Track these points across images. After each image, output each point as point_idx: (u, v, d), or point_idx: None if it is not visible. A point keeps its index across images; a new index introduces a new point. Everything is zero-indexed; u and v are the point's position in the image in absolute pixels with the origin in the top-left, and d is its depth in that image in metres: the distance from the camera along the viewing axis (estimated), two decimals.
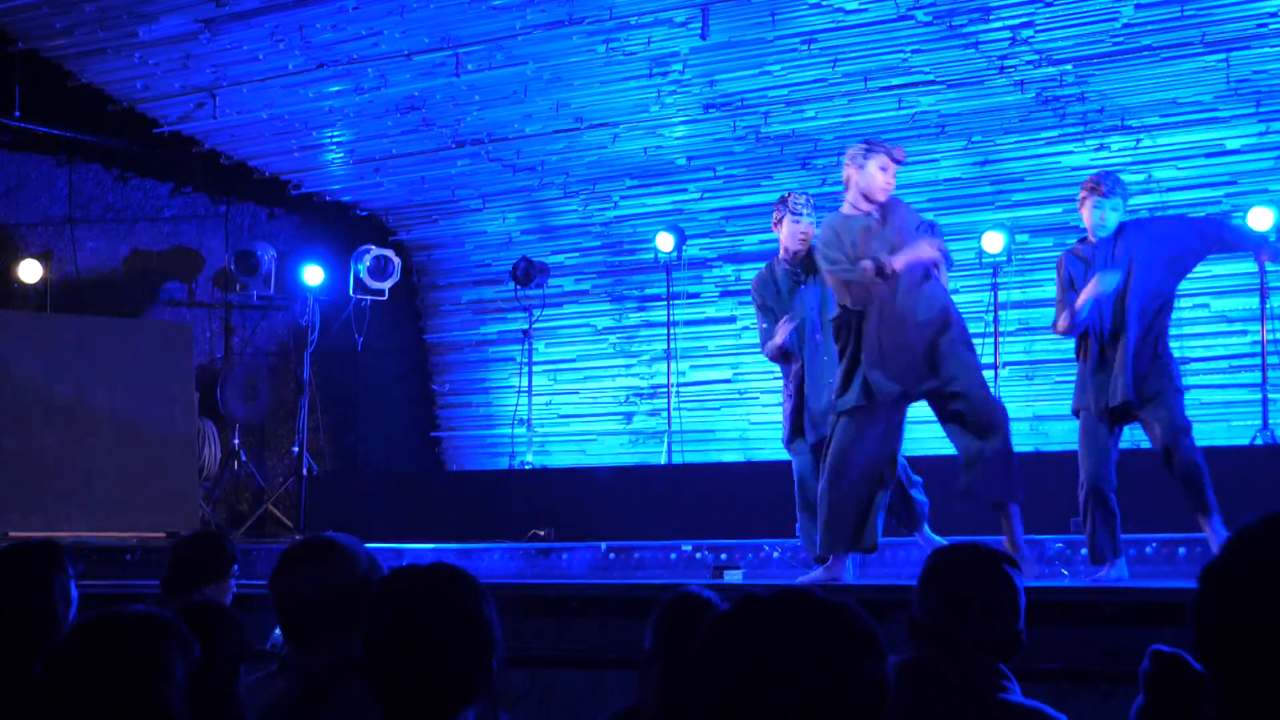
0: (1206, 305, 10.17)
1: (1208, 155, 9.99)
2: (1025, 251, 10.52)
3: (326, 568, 3.08)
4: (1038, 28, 9.13)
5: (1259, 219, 9.51)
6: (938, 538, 7.04)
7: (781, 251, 7.30)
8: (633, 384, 11.98)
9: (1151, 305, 6.79)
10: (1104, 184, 6.86)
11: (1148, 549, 7.73)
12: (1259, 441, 9.32)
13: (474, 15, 9.74)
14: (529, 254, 11.87)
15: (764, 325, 7.39)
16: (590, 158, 11.29)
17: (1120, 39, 9.13)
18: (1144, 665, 2.90)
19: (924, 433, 10.12)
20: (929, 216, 10.70)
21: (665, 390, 11.32)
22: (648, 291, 11.85)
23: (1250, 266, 9.76)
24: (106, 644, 2.51)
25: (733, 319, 11.56)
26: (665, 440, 11.09)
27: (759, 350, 11.25)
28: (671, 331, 11.20)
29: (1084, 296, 6.73)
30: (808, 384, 7.15)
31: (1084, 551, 7.04)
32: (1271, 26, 8.86)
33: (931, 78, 9.74)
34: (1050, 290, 10.49)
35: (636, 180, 11.47)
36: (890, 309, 6.66)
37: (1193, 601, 1.77)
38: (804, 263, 7.22)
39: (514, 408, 11.86)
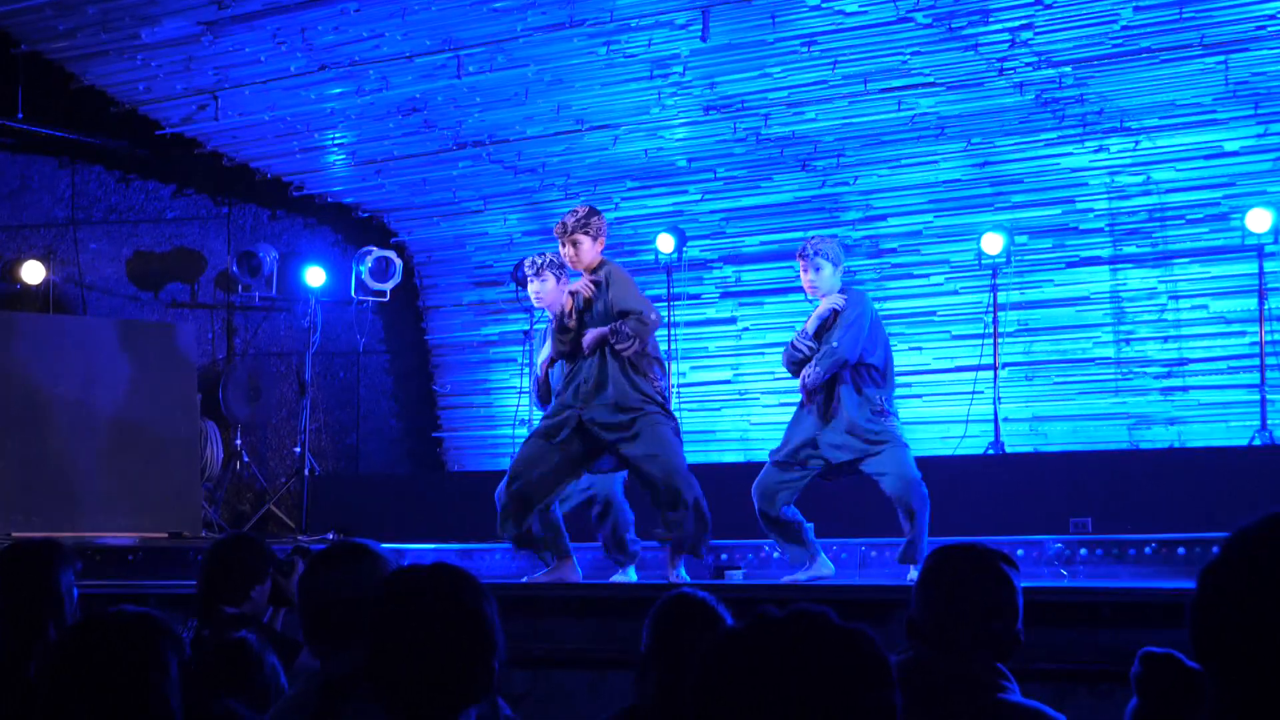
0: (1205, 306, 10.14)
1: (1206, 157, 9.96)
2: (1024, 252, 10.49)
3: (355, 573, 3.08)
4: (1037, 30, 9.10)
5: (1257, 220, 9.55)
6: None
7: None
8: None
9: None
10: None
11: (1147, 549, 7.73)
12: (1257, 442, 9.34)
13: (475, 18, 9.73)
14: (530, 255, 11.86)
15: None
16: (591, 159, 11.27)
17: (1119, 41, 9.11)
18: (1134, 669, 2.93)
19: (924, 433, 10.18)
20: (929, 218, 10.82)
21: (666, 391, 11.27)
22: (648, 293, 11.78)
23: (1249, 268, 9.79)
24: (102, 645, 2.54)
25: (733, 320, 11.54)
26: None
27: (759, 351, 11.31)
28: (672, 332, 11.13)
29: None
30: None
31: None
32: (1270, 29, 8.85)
33: (931, 80, 9.72)
34: (1049, 291, 10.57)
35: (637, 182, 11.43)
36: None
37: (1191, 602, 1.76)
38: None
39: (515, 408, 11.86)
